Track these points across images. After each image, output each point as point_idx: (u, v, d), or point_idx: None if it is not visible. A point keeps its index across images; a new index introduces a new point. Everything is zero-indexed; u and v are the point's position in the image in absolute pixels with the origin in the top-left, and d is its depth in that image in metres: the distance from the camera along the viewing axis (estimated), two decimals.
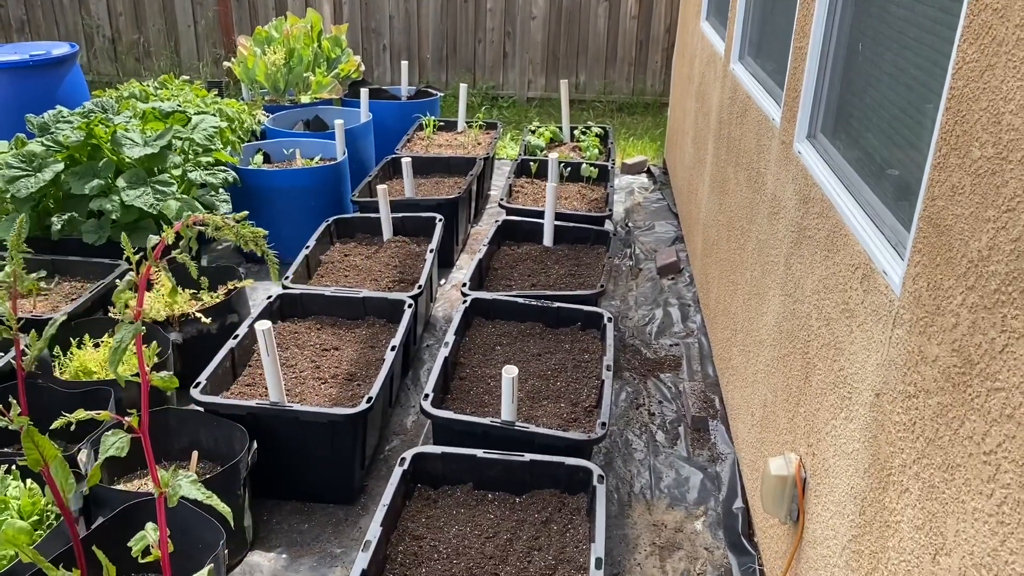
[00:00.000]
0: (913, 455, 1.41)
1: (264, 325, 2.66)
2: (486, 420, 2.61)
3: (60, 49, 4.69)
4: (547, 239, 4.21)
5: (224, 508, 1.73)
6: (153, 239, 1.69)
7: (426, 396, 2.74)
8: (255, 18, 8.21)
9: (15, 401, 1.85)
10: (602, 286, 3.60)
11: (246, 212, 1.94)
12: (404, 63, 6.55)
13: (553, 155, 4.87)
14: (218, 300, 3.58)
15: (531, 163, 5.23)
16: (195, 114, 4.31)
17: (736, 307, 3.14)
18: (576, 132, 5.99)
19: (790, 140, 2.47)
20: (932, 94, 1.60)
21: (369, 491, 2.97)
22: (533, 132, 5.93)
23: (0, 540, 2.18)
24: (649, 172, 6.35)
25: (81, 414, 1.67)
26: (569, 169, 5.15)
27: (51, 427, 1.78)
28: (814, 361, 2.04)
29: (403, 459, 2.48)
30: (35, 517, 2.34)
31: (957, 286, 1.29)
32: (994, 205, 1.19)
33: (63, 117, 4.08)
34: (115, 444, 1.55)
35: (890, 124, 1.85)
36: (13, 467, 2.49)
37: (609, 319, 3.30)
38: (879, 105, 1.93)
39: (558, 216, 4.26)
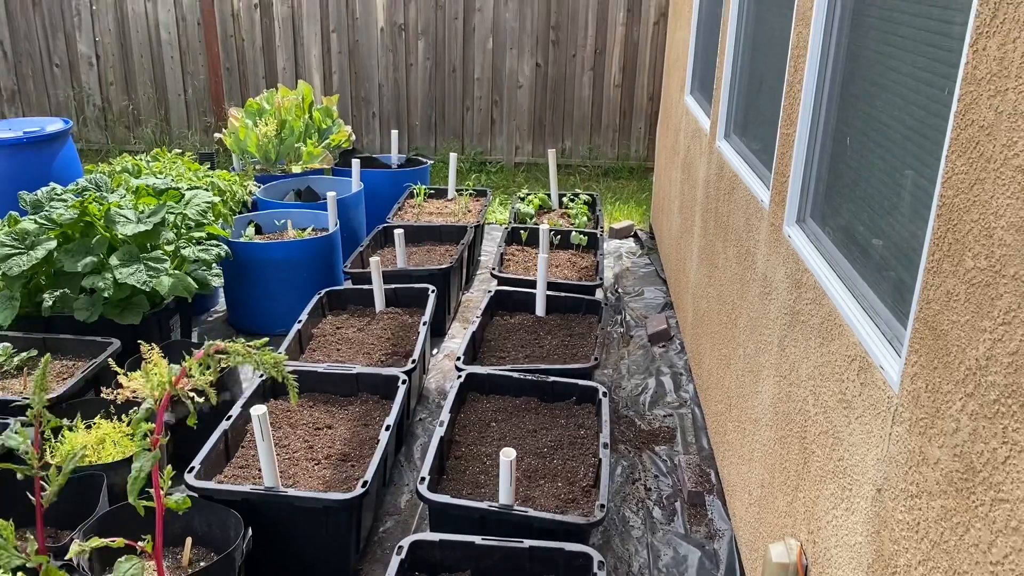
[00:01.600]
0: (919, 556, 1.42)
1: (260, 410, 2.65)
2: (484, 504, 2.60)
3: (54, 125, 4.74)
4: (539, 309, 4.24)
5: None
6: (175, 368, 1.69)
7: (422, 479, 2.73)
8: (245, 88, 8.33)
9: (31, 537, 1.83)
10: (596, 359, 3.62)
11: (266, 339, 1.95)
12: (394, 132, 6.65)
13: (543, 224, 4.93)
14: (211, 378, 3.56)
15: (521, 231, 5.29)
16: (188, 189, 4.34)
17: (729, 382, 3.16)
18: (564, 199, 6.07)
19: (779, 223, 2.52)
20: (924, 194, 1.64)
21: (364, 574, 2.93)
22: (522, 199, 6.01)
23: None
24: (636, 237, 6.43)
25: (96, 542, 1.65)
26: (559, 237, 5.20)
27: (66, 557, 1.75)
28: (812, 447, 2.05)
29: (400, 547, 2.45)
30: None
31: (956, 391, 1.32)
32: (989, 316, 1.22)
33: (57, 194, 4.10)
34: (129, 571, 1.53)
35: (882, 218, 1.89)
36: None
37: (604, 393, 3.31)
38: (869, 197, 1.98)
39: (550, 285, 4.30)
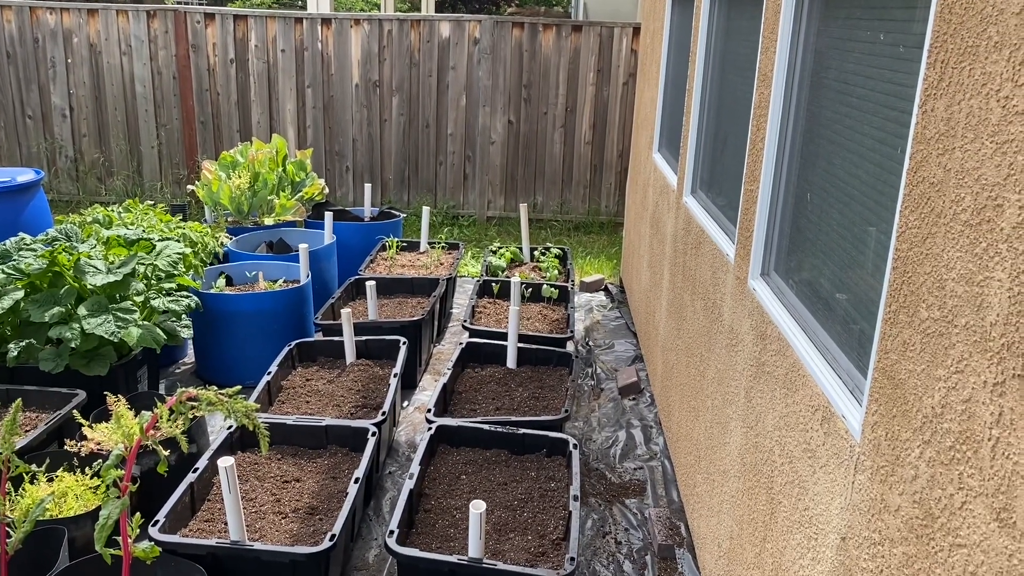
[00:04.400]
0: None
1: (227, 462, 2.63)
2: (453, 558, 2.58)
3: (24, 176, 4.73)
4: (511, 361, 4.25)
5: None
6: (145, 415, 1.69)
7: (391, 532, 2.70)
8: (219, 141, 8.38)
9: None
10: (567, 411, 3.63)
11: (239, 387, 1.95)
12: (368, 186, 6.70)
13: (515, 277, 4.97)
14: (181, 427, 3.52)
15: (493, 284, 5.32)
16: (160, 240, 4.34)
17: (698, 434, 3.19)
18: (536, 252, 6.13)
19: (744, 276, 2.57)
20: (880, 247, 1.70)
21: None
22: (494, 253, 6.06)
23: None
24: (607, 290, 6.49)
25: None
26: (530, 290, 5.24)
27: None
28: (779, 498, 2.07)
29: None
30: None
31: (914, 439, 1.35)
32: (943, 365, 1.27)
33: (26, 244, 4.07)
34: None
35: (842, 270, 1.95)
36: None
37: (575, 446, 3.31)
38: (830, 251, 2.05)
39: (521, 338, 4.32)
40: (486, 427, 3.46)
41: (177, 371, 4.90)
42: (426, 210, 6.24)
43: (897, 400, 1.43)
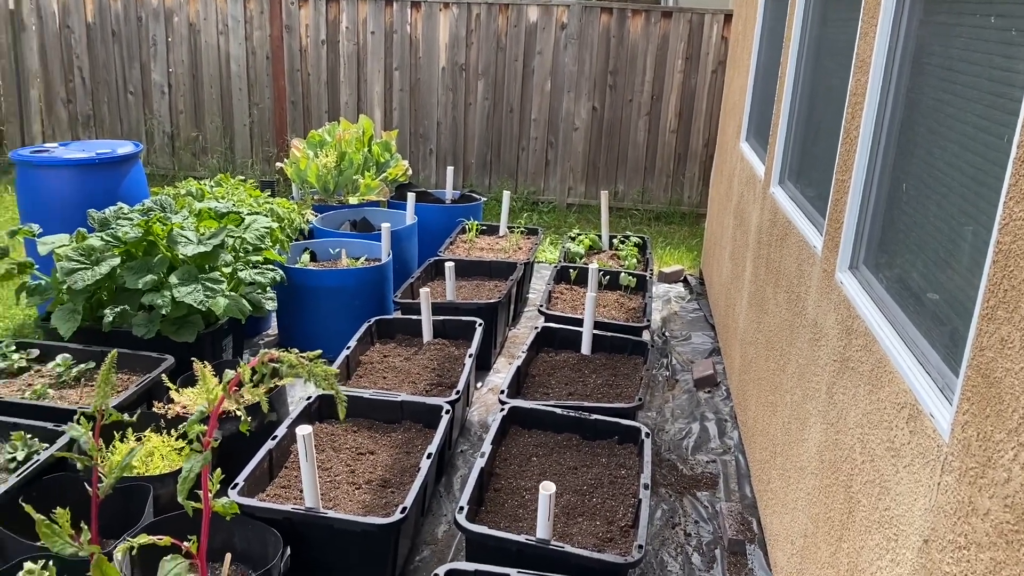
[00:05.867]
0: None
1: (305, 430, 2.70)
2: (521, 537, 2.59)
3: (124, 148, 4.93)
4: (585, 347, 4.24)
5: None
6: (230, 373, 1.75)
7: (460, 509, 2.73)
8: (308, 120, 8.56)
9: (86, 527, 1.88)
10: (640, 400, 3.60)
11: (319, 351, 2.00)
12: (450, 169, 6.75)
13: (593, 263, 4.94)
14: (265, 389, 3.63)
15: (570, 270, 5.31)
16: (248, 214, 4.47)
17: (775, 429, 3.12)
18: (615, 241, 6.08)
19: (832, 269, 2.50)
20: (980, 240, 1.63)
21: None
22: (573, 239, 6.04)
23: None
24: (686, 281, 6.40)
25: (143, 539, 1.69)
26: (608, 277, 5.21)
27: (115, 554, 1.80)
28: (858, 497, 2.01)
29: (436, 575, 2.45)
30: None
31: (1008, 441, 1.29)
32: None
33: (123, 213, 4.25)
34: (172, 571, 1.56)
35: (936, 264, 1.87)
36: (50, 563, 2.50)
37: (647, 434, 3.28)
38: (925, 244, 1.96)
39: (596, 324, 4.30)
40: (559, 411, 3.46)
41: (260, 342, 5.05)
42: (507, 194, 6.26)
43: (992, 399, 1.36)
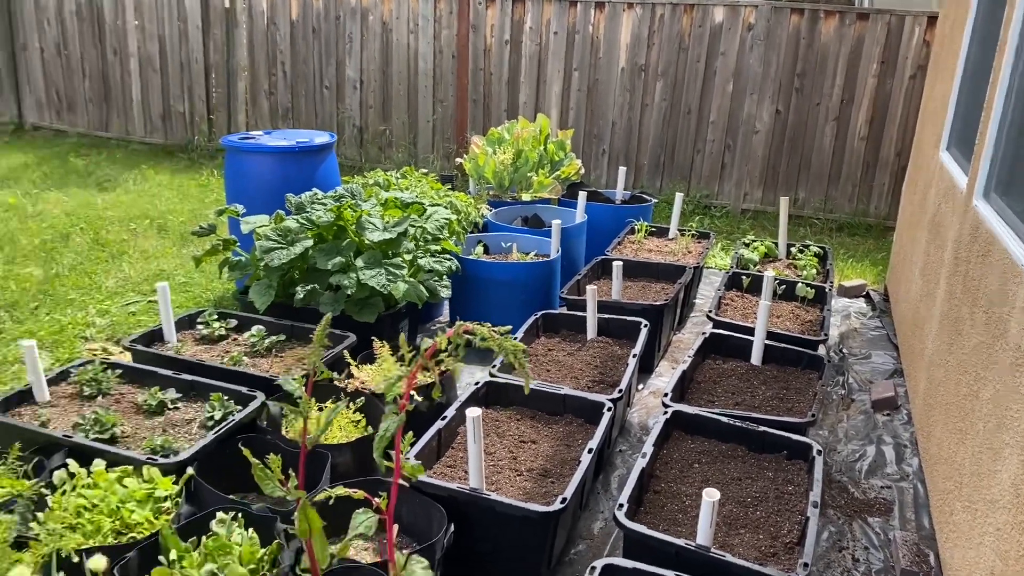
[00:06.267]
0: None
1: (475, 412, 2.79)
2: (680, 541, 2.55)
3: (321, 138, 5.27)
4: (755, 358, 4.11)
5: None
6: (427, 342, 1.86)
7: (620, 506, 2.73)
8: (488, 118, 8.79)
9: (293, 473, 2.03)
10: (813, 416, 3.45)
11: (510, 327, 2.08)
12: (622, 169, 6.74)
13: (768, 271, 4.78)
14: (431, 380, 3.78)
15: (743, 277, 5.16)
16: (430, 205, 4.66)
17: (962, 458, 2.90)
18: (792, 249, 5.85)
19: None
20: None
21: None
22: (747, 245, 5.87)
23: None
24: (868, 297, 6.06)
25: (340, 491, 1.82)
26: (783, 287, 5.02)
27: (314, 499, 1.95)
28: None
29: (593, 568, 2.46)
30: (252, 566, 2.53)
31: None
32: None
33: (318, 199, 4.54)
34: (363, 523, 1.67)
35: None
36: (239, 515, 2.72)
37: (819, 452, 3.15)
38: None
39: (769, 335, 4.16)
40: (724, 419, 3.38)
41: (433, 328, 5.25)
42: (679, 196, 6.17)
43: None
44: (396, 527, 2.93)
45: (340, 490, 1.87)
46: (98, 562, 1.93)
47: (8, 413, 3.24)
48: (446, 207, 4.92)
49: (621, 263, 4.77)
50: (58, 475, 2.81)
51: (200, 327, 4.18)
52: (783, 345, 4.15)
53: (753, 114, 7.98)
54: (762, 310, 4.04)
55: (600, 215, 6.26)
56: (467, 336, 1.83)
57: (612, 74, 8.32)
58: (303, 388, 1.98)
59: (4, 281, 5.74)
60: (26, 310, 5.31)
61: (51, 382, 3.48)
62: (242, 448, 2.37)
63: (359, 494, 1.82)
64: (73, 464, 2.86)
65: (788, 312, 4.83)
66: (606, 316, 4.43)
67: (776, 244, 5.86)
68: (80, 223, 7.07)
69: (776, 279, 4.99)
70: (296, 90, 9.43)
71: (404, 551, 2.82)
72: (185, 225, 7.23)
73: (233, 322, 4.23)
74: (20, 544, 2.60)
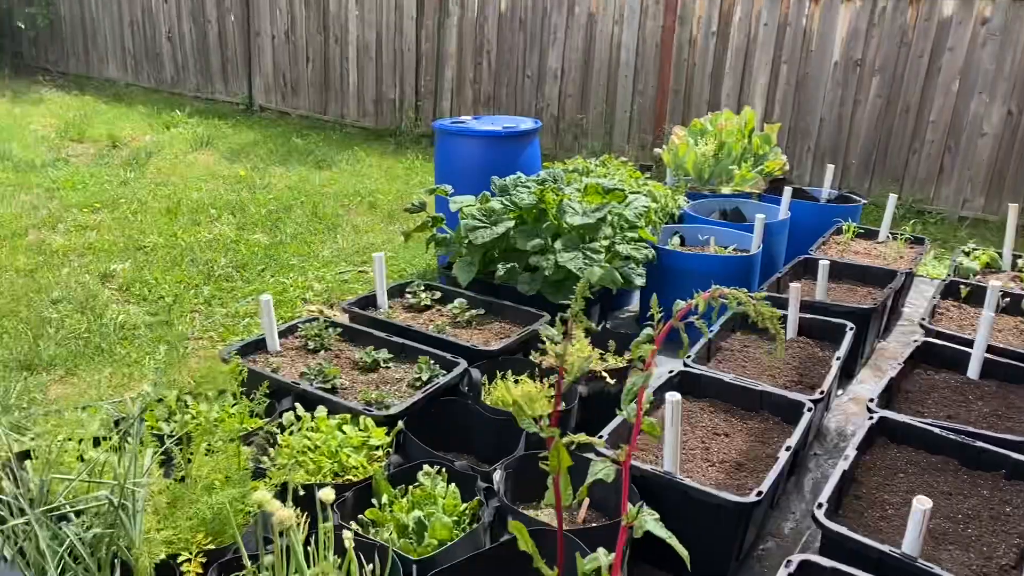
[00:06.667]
0: None
1: (674, 396, 2.80)
2: (885, 547, 2.45)
3: (526, 124, 5.43)
4: (972, 371, 3.83)
5: (683, 551, 1.85)
6: (680, 303, 1.93)
7: (819, 505, 2.65)
8: (687, 110, 8.69)
9: (546, 416, 2.16)
10: None
11: (764, 292, 2.10)
12: (830, 167, 6.45)
13: (993, 281, 4.43)
14: (622, 364, 3.83)
15: (961, 286, 4.81)
16: (630, 193, 4.69)
17: None
18: (1020, 261, 5.38)
19: None
20: None
21: None
22: (967, 254, 5.46)
23: (433, 529, 2.56)
24: None
25: (582, 437, 1.91)
26: (1007, 300, 4.64)
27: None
28: None
29: (789, 562, 2.42)
30: (454, 517, 2.69)
31: None
32: None
33: (521, 182, 4.69)
34: (602, 471, 1.76)
35: None
36: (443, 470, 2.89)
37: None
38: None
39: (989, 348, 3.86)
40: (936, 430, 3.19)
41: (621, 316, 5.29)
42: (892, 198, 5.83)
43: None
44: (587, 500, 3.00)
45: (582, 437, 1.97)
46: (328, 494, 2.12)
47: (246, 359, 3.61)
48: (646, 195, 4.93)
49: (828, 263, 4.59)
50: (287, 416, 3.11)
51: (408, 296, 4.44)
52: (1007, 360, 3.84)
53: (981, 115, 7.39)
54: (985, 321, 3.76)
55: (803, 213, 6.02)
56: (721, 299, 1.85)
57: (824, 68, 7.97)
58: (560, 333, 2.07)
59: (235, 244, 6.35)
60: (254, 271, 5.85)
61: (280, 335, 3.83)
62: (493, 390, 2.51)
63: (600, 442, 1.90)
64: (300, 408, 3.15)
65: (1012, 327, 4.46)
66: (807, 316, 4.28)
67: (1000, 254, 5.41)
68: (300, 197, 7.68)
69: (1001, 291, 4.62)
70: (499, 79, 9.72)
71: (592, 524, 2.90)
72: (392, 204, 7.67)
73: (437, 294, 4.46)
74: (255, 475, 2.90)
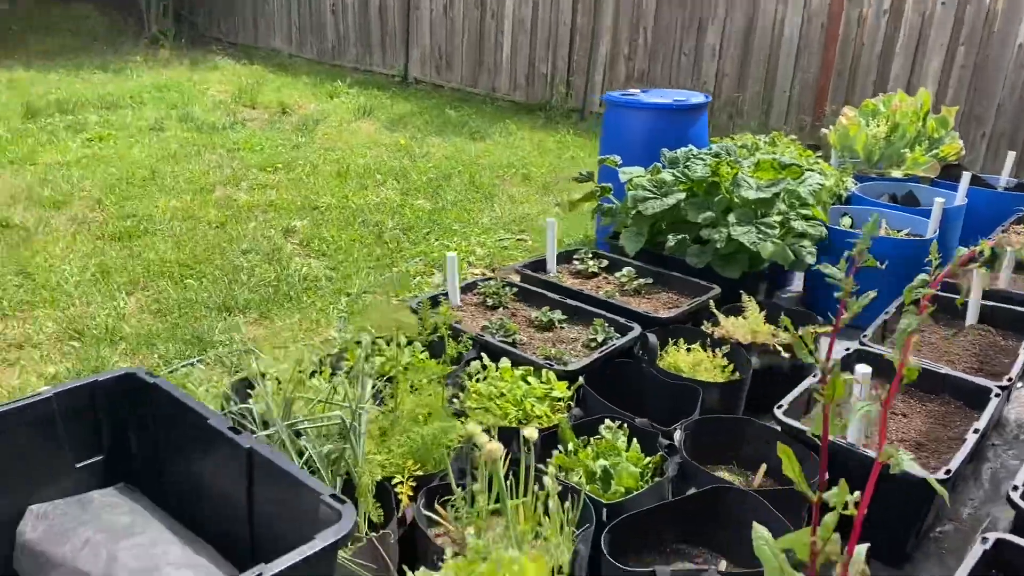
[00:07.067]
0: None
1: (865, 369, 2.81)
2: None
3: (697, 98, 5.43)
4: None
5: (942, 490, 1.85)
6: (961, 249, 1.91)
7: (1015, 488, 2.61)
8: (851, 91, 8.40)
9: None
10: None
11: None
12: (1011, 154, 6.13)
13: None
14: (791, 341, 3.82)
15: None
16: (806, 170, 4.64)
17: None
18: None
19: None
20: None
21: (913, 562, 2.93)
22: None
23: (620, 477, 2.69)
24: None
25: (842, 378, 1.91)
26: None
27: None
28: None
29: (985, 539, 2.40)
30: (638, 470, 2.80)
31: None
32: None
33: (694, 154, 4.72)
34: (864, 409, 1.80)
35: None
36: (624, 425, 3.01)
37: None
38: None
39: None
40: None
41: (783, 295, 5.24)
42: None
43: None
44: (764, 466, 3.06)
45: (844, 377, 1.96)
46: (532, 432, 2.28)
47: (431, 311, 3.82)
48: (820, 173, 4.86)
49: (1013, 250, 4.40)
50: (474, 365, 3.30)
51: (576, 263, 4.57)
52: None
53: None
54: None
55: (979, 200, 5.75)
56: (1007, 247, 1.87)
57: (1006, 50, 7.53)
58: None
59: (401, 208, 6.66)
60: (419, 234, 6.13)
61: (460, 291, 4.03)
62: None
63: (851, 379, 1.87)
64: (485, 358, 3.33)
65: None
66: (990, 304, 4.13)
67: None
68: (458, 166, 7.94)
69: None
70: (654, 56, 9.68)
71: (774, 489, 2.94)
72: (545, 176, 7.82)
73: (604, 262, 4.57)
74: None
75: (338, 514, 1.70)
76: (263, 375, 2.37)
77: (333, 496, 1.74)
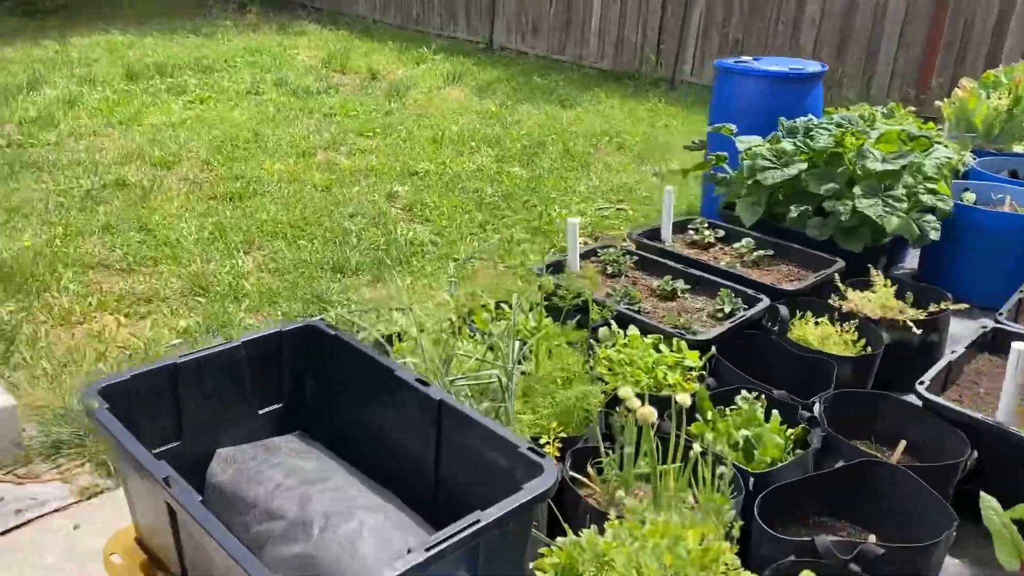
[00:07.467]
0: None
1: (1021, 346, 2.72)
2: None
3: (813, 67, 5.29)
4: None
5: None
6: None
7: None
8: (959, 64, 8.09)
9: None
10: None
11: None
12: None
13: None
14: (922, 316, 3.73)
15: None
16: (933, 142, 4.49)
17: None
18: None
19: None
20: None
21: None
22: None
23: (765, 447, 2.67)
24: None
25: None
26: None
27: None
28: None
29: None
30: (782, 441, 2.78)
31: None
32: None
33: (814, 124, 4.60)
34: None
35: None
36: (763, 396, 2.97)
37: None
38: None
39: None
40: None
41: (896, 272, 5.10)
42: None
43: None
44: (903, 443, 3.00)
45: None
46: (685, 399, 2.27)
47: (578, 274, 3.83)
48: (946, 147, 4.70)
49: None
50: (602, 331, 3.30)
51: (691, 232, 4.52)
52: None
53: None
54: None
55: None
56: None
57: None
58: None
59: (498, 176, 6.67)
60: (519, 201, 6.14)
61: (580, 257, 4.03)
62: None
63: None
64: (614, 324, 3.33)
65: None
66: None
67: None
68: (551, 134, 7.91)
69: None
70: (750, 25, 9.45)
71: (916, 465, 2.89)
72: (639, 145, 7.73)
73: (720, 232, 4.50)
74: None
75: (537, 467, 1.72)
76: (422, 330, 2.40)
77: (531, 449, 1.77)
